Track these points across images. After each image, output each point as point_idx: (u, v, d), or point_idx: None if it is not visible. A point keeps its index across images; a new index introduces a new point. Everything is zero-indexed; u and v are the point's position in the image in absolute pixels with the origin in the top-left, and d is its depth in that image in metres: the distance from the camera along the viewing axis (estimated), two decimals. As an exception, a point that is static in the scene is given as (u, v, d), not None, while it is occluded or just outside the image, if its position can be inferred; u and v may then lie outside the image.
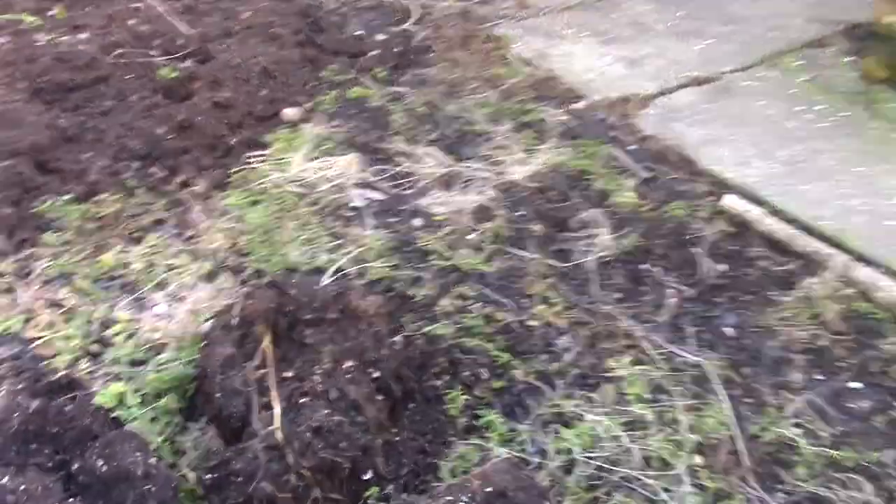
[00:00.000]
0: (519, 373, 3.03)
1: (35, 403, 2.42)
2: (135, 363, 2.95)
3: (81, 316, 3.13)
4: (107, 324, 3.11)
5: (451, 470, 2.69)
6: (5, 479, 2.09)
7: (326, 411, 2.62)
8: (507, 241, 3.66)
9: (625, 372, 3.02)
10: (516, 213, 3.82)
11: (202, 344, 2.88)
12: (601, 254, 3.58)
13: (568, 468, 2.70)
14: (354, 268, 3.42)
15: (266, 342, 2.78)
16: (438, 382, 2.97)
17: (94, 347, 3.01)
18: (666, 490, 2.60)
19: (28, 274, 3.29)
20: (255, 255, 3.50)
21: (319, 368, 2.73)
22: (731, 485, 2.63)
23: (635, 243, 3.64)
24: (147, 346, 3.02)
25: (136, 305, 3.22)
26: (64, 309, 3.14)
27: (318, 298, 2.91)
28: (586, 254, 3.58)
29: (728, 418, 2.82)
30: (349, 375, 2.74)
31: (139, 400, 2.77)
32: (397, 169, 4.11)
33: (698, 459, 2.70)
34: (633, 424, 2.83)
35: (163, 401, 2.78)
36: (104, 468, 2.22)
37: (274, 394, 2.65)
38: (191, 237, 3.58)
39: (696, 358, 3.07)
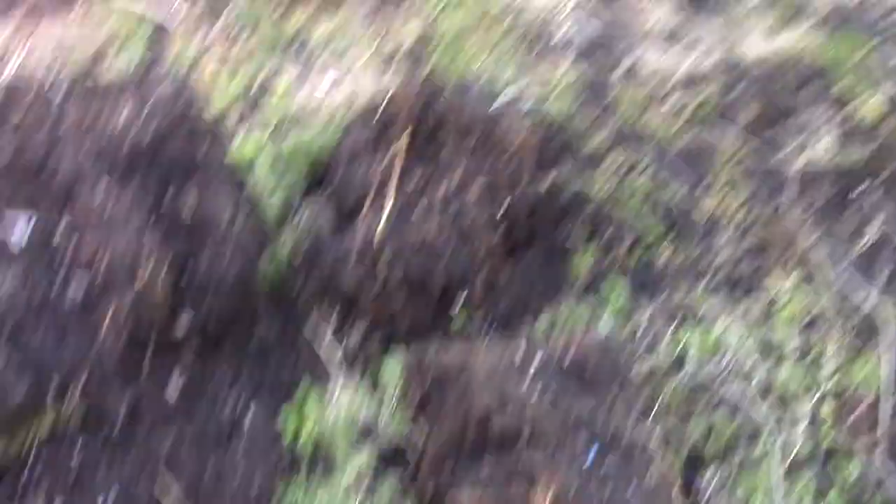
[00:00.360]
0: (665, 252, 2.70)
1: (164, 132, 2.42)
2: (280, 126, 2.91)
3: (250, 66, 3.10)
4: (270, 82, 3.07)
5: (548, 323, 2.47)
6: (100, 190, 2.11)
7: (437, 226, 2.46)
8: (709, 117, 3.21)
9: (785, 289, 2.61)
10: (732, 90, 3.33)
11: (344, 125, 2.77)
12: (812, 161, 3.06)
13: (675, 368, 2.40)
14: (533, 98, 3.14)
15: (402, 141, 2.62)
16: (573, 236, 2.71)
17: (250, 101, 2.99)
18: (776, 427, 2.25)
19: (217, 16, 3.29)
20: (437, 55, 3.30)
21: (446, 183, 2.55)
22: (852, 448, 2.23)
23: (859, 161, 3.07)
24: (299, 112, 2.96)
25: (305, 72, 3.15)
26: (236, 57, 3.13)
27: (470, 114, 2.68)
28: (794, 155, 3.08)
29: (881, 378, 2.37)
30: (475, 199, 2.54)
31: (270, 161, 2.73)
32: (625, 9, 3.69)
33: (826, 409, 2.31)
34: (768, 347, 2.45)
35: (291, 169, 2.72)
36: (195, 207, 2.19)
37: (391, 192, 2.51)
38: (383, 20, 3.42)
39: (874, 302, 2.58)
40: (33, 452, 2.07)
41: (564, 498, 1.95)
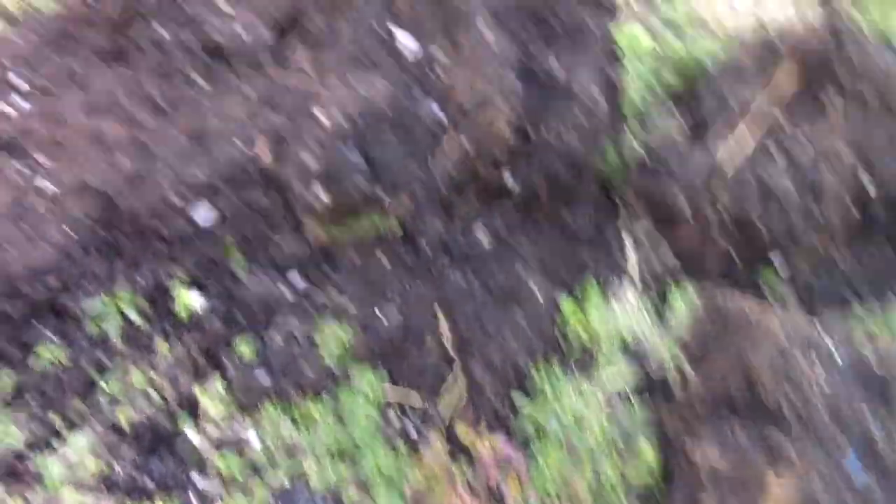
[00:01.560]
0: None
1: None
2: (667, 24, 2.78)
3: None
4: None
5: (865, 331, 2.26)
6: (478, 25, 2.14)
7: (792, 181, 2.29)
8: None
9: None
10: None
11: (732, 45, 2.60)
12: None
13: None
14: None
15: (789, 78, 2.40)
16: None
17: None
18: None
19: None
20: None
21: (822, 138, 2.33)
22: None
23: None
24: (688, 17, 2.81)
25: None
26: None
27: (880, 73, 2.38)
28: None
29: None
30: (844, 168, 2.30)
31: (646, 54, 2.63)
32: None
33: None
34: None
35: (663, 70, 2.62)
36: (561, 70, 2.17)
37: (759, 129, 2.34)
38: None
39: None
40: (347, 251, 2.27)
41: (806, 490, 1.83)
